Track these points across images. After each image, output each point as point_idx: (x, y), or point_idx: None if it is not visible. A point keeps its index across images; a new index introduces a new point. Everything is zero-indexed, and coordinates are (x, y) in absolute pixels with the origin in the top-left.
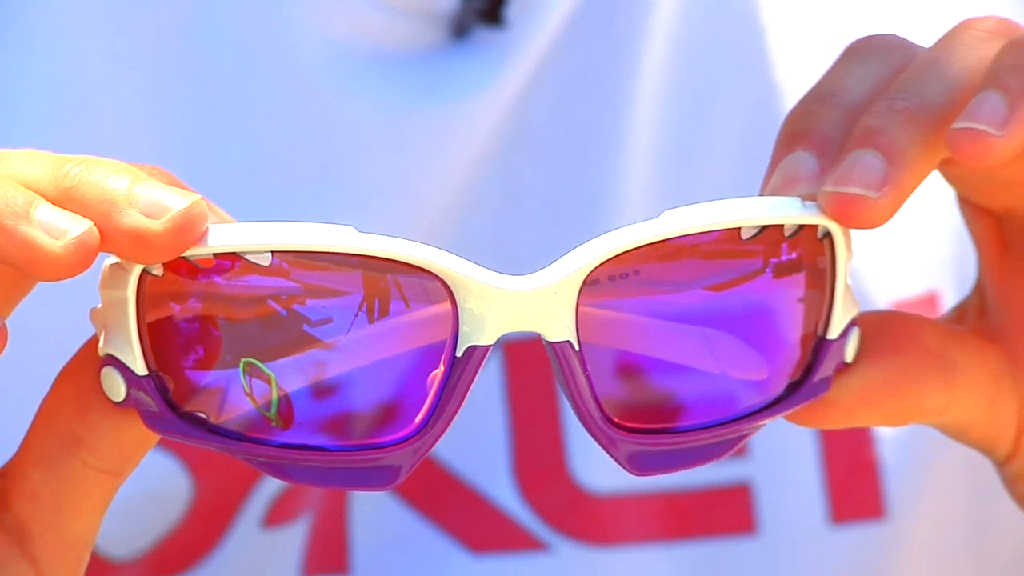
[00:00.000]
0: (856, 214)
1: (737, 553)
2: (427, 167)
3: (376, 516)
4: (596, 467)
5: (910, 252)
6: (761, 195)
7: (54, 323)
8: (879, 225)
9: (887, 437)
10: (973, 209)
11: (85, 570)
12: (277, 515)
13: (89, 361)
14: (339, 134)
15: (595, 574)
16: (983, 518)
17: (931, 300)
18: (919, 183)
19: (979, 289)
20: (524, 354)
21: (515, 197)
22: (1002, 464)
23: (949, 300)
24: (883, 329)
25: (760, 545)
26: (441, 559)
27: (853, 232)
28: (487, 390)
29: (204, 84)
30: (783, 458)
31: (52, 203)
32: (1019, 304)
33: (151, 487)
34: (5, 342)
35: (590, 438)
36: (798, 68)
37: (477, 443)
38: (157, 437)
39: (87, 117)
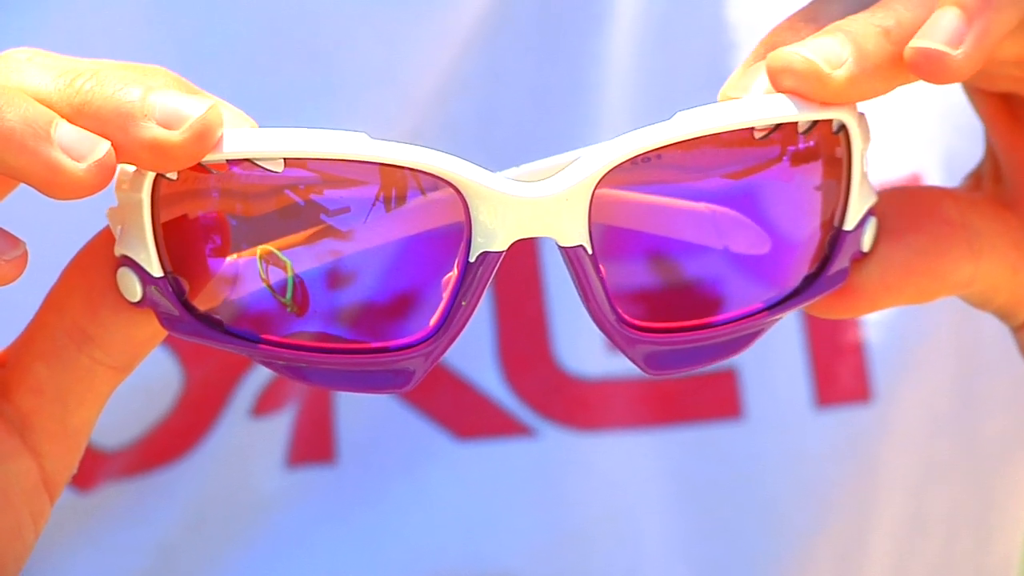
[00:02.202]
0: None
1: (722, 437)
2: (412, 52)
3: (361, 404)
4: (580, 351)
5: (894, 133)
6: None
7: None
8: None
9: (872, 320)
10: (978, 92)
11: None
12: (265, 404)
13: (99, 256)
14: (325, 20)
15: (580, 458)
16: (969, 399)
17: (915, 181)
18: (872, 96)
19: (990, 155)
20: None
21: (499, 81)
22: (1019, 329)
23: (933, 181)
24: (901, 207)
25: (746, 429)
26: (426, 445)
27: None
28: None
29: None
30: (768, 342)
31: (67, 120)
32: None
33: (142, 378)
34: (24, 266)
35: (574, 322)
36: None
37: None
38: (166, 333)
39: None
